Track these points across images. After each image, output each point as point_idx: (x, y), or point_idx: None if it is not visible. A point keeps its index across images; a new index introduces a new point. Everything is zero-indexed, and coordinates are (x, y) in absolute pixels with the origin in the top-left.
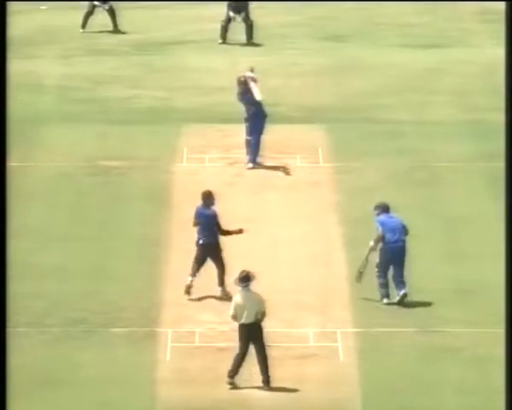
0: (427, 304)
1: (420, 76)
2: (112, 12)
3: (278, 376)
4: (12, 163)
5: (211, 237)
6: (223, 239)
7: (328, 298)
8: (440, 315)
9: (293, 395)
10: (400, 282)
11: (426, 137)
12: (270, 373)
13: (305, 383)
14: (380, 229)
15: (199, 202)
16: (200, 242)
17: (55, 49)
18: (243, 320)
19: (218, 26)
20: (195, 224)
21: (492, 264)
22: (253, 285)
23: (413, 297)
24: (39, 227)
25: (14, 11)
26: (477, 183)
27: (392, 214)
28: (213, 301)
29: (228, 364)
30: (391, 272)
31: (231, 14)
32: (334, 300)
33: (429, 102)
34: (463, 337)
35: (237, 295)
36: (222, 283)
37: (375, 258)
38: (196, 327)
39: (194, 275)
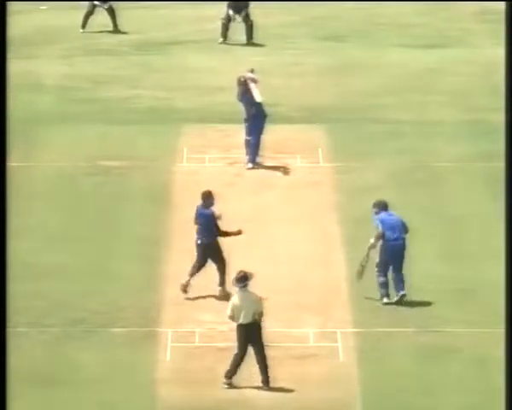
0: (427, 304)
1: (420, 76)
2: (112, 12)
3: (278, 376)
4: (12, 163)
5: (210, 237)
6: (222, 239)
7: (328, 298)
8: (440, 315)
9: (293, 395)
10: (400, 282)
11: (426, 137)
12: (269, 373)
13: (305, 383)
14: (380, 227)
15: (199, 202)
16: (199, 242)
17: (55, 49)
18: (241, 321)
19: (218, 26)
20: (196, 223)
21: (492, 264)
22: (252, 285)
23: (413, 297)
24: (39, 227)
25: (14, 11)
26: (477, 183)
27: (391, 212)
28: (213, 301)
29: (228, 364)
30: (391, 272)
31: (231, 12)
32: (333, 300)
33: (429, 102)
34: (463, 337)
35: (235, 296)
36: (222, 283)
37: (375, 257)
38: (196, 327)
39: (191, 275)
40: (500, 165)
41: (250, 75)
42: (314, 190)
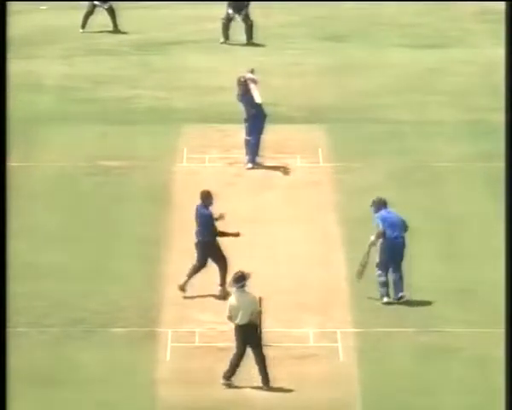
0: (426, 304)
1: (420, 76)
2: (112, 12)
3: (278, 376)
4: (12, 163)
5: (209, 236)
6: (222, 239)
7: (328, 298)
8: (440, 315)
9: (293, 395)
10: (399, 282)
11: (426, 137)
12: (269, 373)
13: (305, 383)
14: (381, 225)
15: (199, 202)
16: (196, 240)
17: (55, 49)
18: (238, 321)
19: (218, 26)
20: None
21: (492, 264)
22: (253, 285)
23: (413, 297)
24: (39, 227)
25: (14, 11)
26: (477, 183)
27: (390, 209)
28: (213, 301)
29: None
30: (390, 272)
31: (230, 11)
32: (333, 300)
33: (429, 102)
34: (463, 337)
35: (232, 296)
36: (223, 282)
37: (375, 257)
38: (196, 327)
39: (188, 276)
40: (500, 165)
41: (250, 76)
42: (314, 190)
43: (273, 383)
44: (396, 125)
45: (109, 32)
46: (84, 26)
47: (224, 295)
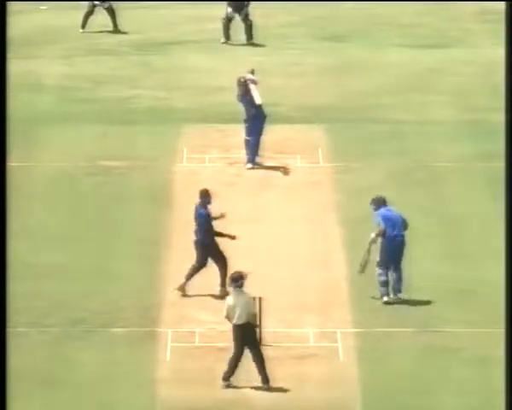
0: (426, 304)
1: (420, 76)
2: (112, 12)
3: (278, 376)
4: (12, 163)
5: (207, 236)
6: (221, 240)
7: (328, 298)
8: (440, 315)
9: (293, 395)
10: (398, 282)
11: (426, 137)
12: (268, 373)
13: (305, 383)
14: (382, 223)
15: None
16: (194, 239)
17: (55, 49)
18: (235, 321)
19: (218, 26)
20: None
21: (492, 264)
22: (251, 285)
23: (413, 297)
24: (39, 227)
25: (14, 11)
26: (477, 183)
27: (390, 208)
28: (213, 301)
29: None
30: (390, 271)
31: (229, 10)
32: (333, 300)
33: (429, 102)
34: (463, 337)
35: (229, 296)
36: (223, 283)
37: (376, 256)
38: (196, 327)
39: (187, 277)
40: (500, 165)
41: (250, 76)
42: (314, 190)
43: (273, 383)
44: (396, 126)
45: (109, 32)
46: (84, 26)
47: (223, 296)
